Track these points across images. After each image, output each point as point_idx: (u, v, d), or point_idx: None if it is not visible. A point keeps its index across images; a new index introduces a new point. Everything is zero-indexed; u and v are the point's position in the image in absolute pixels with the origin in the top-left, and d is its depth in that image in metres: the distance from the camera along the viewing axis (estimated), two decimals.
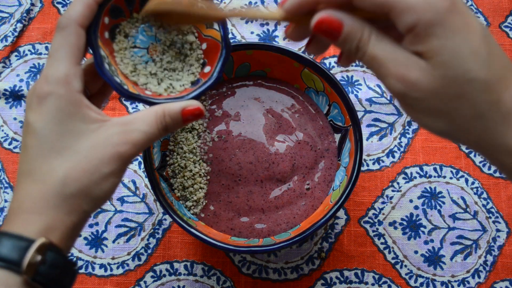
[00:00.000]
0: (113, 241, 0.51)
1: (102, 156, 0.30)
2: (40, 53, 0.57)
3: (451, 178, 0.53)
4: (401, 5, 0.25)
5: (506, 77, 0.26)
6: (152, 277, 0.50)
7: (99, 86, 0.35)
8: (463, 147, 0.54)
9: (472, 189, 0.52)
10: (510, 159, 0.26)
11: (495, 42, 0.26)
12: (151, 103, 0.33)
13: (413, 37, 0.25)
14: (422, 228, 0.51)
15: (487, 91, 0.25)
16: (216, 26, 0.36)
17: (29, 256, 0.27)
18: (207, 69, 0.36)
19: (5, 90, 0.55)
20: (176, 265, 0.50)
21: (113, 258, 0.50)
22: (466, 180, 0.53)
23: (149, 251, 0.50)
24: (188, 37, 0.37)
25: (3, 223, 0.30)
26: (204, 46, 0.37)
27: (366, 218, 0.52)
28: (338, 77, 0.56)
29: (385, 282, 0.50)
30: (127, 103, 0.55)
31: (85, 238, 0.51)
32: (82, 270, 0.50)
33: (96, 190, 0.30)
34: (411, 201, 0.52)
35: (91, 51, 0.32)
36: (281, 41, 0.57)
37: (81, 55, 0.31)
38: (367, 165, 0.53)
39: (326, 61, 0.56)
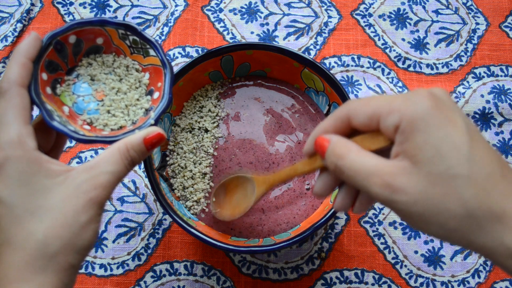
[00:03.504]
0: (113, 241, 0.51)
1: (76, 207, 0.29)
2: None
3: None
4: (386, 109, 0.27)
5: (492, 174, 0.25)
6: (152, 277, 0.50)
7: (52, 142, 0.35)
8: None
9: None
10: (510, 260, 0.25)
11: (481, 138, 0.26)
12: (109, 142, 0.34)
13: (400, 136, 0.26)
14: None
15: (473, 188, 0.25)
16: (152, 52, 0.38)
17: None
18: (156, 95, 0.38)
19: None
20: (176, 265, 0.50)
21: (113, 258, 0.50)
22: None
23: (149, 251, 0.50)
24: (133, 76, 0.38)
25: None
26: (147, 76, 0.38)
27: (366, 218, 0.52)
28: (338, 77, 0.56)
29: (385, 282, 0.50)
30: None
31: None
32: (82, 270, 0.50)
33: (79, 241, 0.29)
34: None
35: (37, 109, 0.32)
36: (281, 41, 0.57)
37: (28, 115, 0.31)
38: None
39: (326, 61, 0.57)
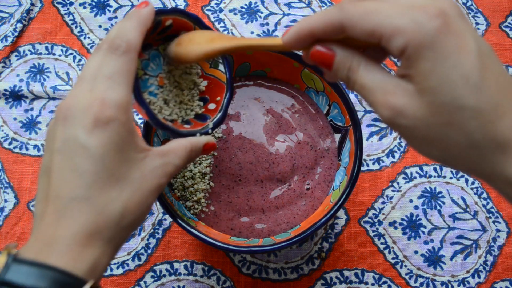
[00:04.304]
0: None
1: (150, 188, 0.29)
2: (40, 53, 0.57)
3: (451, 178, 0.53)
4: (389, 30, 0.24)
5: (501, 104, 0.24)
6: (152, 277, 0.50)
7: None
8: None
9: (472, 189, 0.52)
10: (510, 189, 0.25)
11: (495, 63, 0.25)
12: (179, 135, 0.36)
13: (405, 60, 0.25)
14: (422, 228, 0.51)
15: (479, 119, 0.24)
16: (221, 67, 0.39)
17: None
18: (211, 105, 0.40)
19: (5, 90, 0.55)
20: (176, 265, 0.50)
21: (113, 258, 0.50)
22: (466, 180, 0.53)
23: (149, 251, 0.50)
24: (191, 76, 0.39)
25: (34, 246, 0.27)
26: (205, 83, 0.40)
27: (366, 218, 0.52)
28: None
29: (385, 282, 0.50)
30: None
31: None
32: None
33: (139, 221, 0.30)
34: (411, 201, 0.52)
35: None
36: None
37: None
38: (367, 165, 0.53)
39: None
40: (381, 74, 0.26)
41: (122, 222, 0.28)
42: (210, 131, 0.38)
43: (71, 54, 0.57)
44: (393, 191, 0.52)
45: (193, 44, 0.35)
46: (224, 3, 0.59)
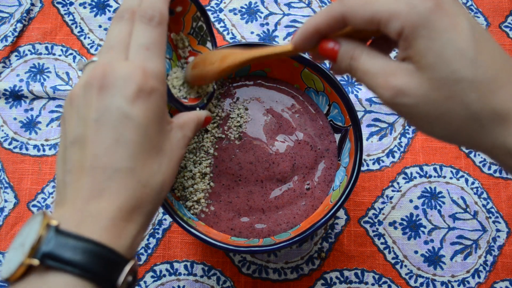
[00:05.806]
0: None
1: (177, 159, 0.30)
2: (40, 53, 0.57)
3: (451, 178, 0.53)
4: (386, 14, 0.26)
5: (498, 77, 0.25)
6: (152, 277, 0.50)
7: None
8: (464, 147, 0.54)
9: (472, 189, 0.52)
10: (511, 160, 0.26)
11: (489, 41, 0.26)
12: (185, 108, 0.37)
13: (403, 42, 0.26)
14: (422, 228, 0.51)
15: (477, 91, 0.25)
16: (208, 44, 0.40)
17: (123, 277, 0.25)
18: None
19: (5, 90, 0.55)
20: (176, 265, 0.50)
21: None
22: (466, 180, 0.53)
23: (149, 251, 0.50)
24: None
25: (72, 218, 0.25)
26: (191, 59, 0.40)
27: (366, 218, 0.52)
28: (338, 77, 0.56)
29: (385, 282, 0.50)
30: None
31: None
32: None
33: (166, 195, 0.30)
34: (411, 201, 0.52)
35: None
36: (281, 41, 0.57)
37: None
38: (367, 165, 0.53)
39: (326, 61, 0.56)
40: (382, 59, 0.28)
41: (161, 195, 0.28)
42: (205, 104, 0.40)
43: (71, 54, 0.57)
44: (393, 191, 0.52)
45: (207, 65, 0.37)
46: (224, 3, 0.59)
